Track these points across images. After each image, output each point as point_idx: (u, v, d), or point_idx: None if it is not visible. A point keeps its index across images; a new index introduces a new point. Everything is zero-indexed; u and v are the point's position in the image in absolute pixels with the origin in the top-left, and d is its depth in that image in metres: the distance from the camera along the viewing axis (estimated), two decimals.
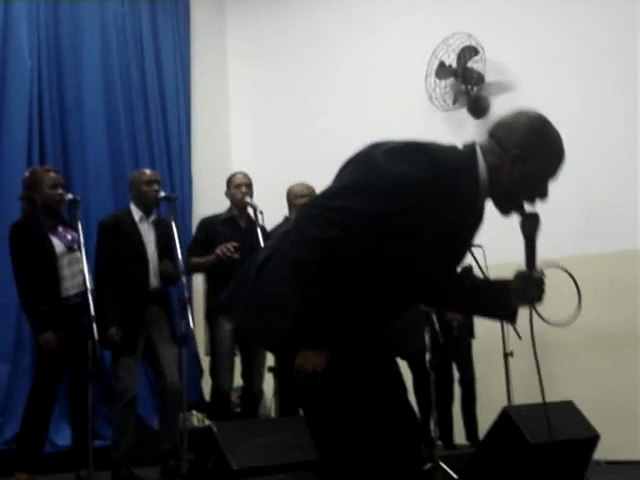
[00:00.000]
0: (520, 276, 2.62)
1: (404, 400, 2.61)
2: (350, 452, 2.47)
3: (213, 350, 6.09)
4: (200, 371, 7.67)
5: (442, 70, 7.88)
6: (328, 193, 2.45)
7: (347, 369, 2.43)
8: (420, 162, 2.39)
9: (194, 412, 7.34)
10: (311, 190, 6.24)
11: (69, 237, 5.47)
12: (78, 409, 5.44)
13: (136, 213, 5.84)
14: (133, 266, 5.71)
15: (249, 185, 6.19)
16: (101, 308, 5.48)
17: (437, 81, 7.93)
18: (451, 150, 2.54)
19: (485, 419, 6.25)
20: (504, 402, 6.26)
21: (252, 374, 6.13)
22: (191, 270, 6.26)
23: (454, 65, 7.82)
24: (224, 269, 5.86)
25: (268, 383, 5.91)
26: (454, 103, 7.88)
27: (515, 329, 6.36)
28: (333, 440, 2.50)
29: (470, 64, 7.77)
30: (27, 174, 5.70)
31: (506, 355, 6.39)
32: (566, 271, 2.75)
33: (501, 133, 2.53)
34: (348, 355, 2.42)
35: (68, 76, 7.52)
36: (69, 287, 5.39)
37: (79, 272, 5.40)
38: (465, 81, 7.79)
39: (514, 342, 6.40)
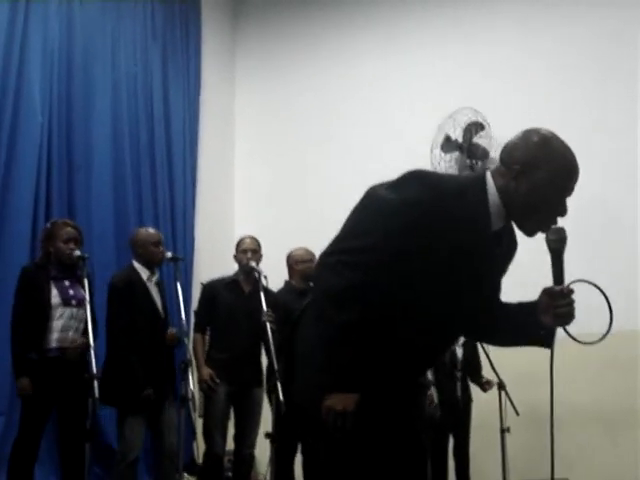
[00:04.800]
0: (547, 292, 2.54)
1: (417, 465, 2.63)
2: None
3: (207, 412, 6.07)
4: (193, 433, 7.61)
5: (448, 144, 7.97)
6: (340, 237, 2.50)
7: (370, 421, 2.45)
8: (417, 186, 2.44)
9: (185, 475, 7.26)
10: (312, 255, 6.32)
11: (71, 292, 5.49)
12: (70, 466, 5.39)
13: (143, 272, 5.84)
14: (149, 325, 5.72)
15: (255, 250, 6.24)
16: (129, 369, 5.52)
17: (442, 154, 8.01)
18: (456, 176, 2.62)
19: None
20: (499, 478, 6.23)
21: (245, 437, 6.11)
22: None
23: (460, 140, 7.91)
24: (226, 333, 6.03)
25: (265, 450, 5.86)
26: None
27: (513, 405, 6.36)
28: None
29: (476, 139, 7.86)
30: (47, 225, 5.80)
31: (503, 431, 6.36)
32: (597, 287, 2.61)
33: (504, 154, 2.56)
34: (374, 404, 2.43)
35: (78, 133, 7.57)
36: (55, 339, 5.38)
37: (70, 328, 5.43)
38: (470, 156, 7.88)
39: (511, 418, 6.39)
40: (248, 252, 6.19)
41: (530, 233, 2.55)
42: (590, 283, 2.59)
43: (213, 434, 5.99)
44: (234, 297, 6.18)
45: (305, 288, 6.31)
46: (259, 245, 6.29)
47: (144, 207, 8.03)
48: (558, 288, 2.51)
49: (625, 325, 6.86)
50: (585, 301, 2.70)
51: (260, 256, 6.23)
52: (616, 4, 7.73)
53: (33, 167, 7.05)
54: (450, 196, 2.43)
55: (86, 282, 5.29)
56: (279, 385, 5.42)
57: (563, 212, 2.51)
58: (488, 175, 2.54)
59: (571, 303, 2.51)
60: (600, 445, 7.00)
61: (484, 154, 7.84)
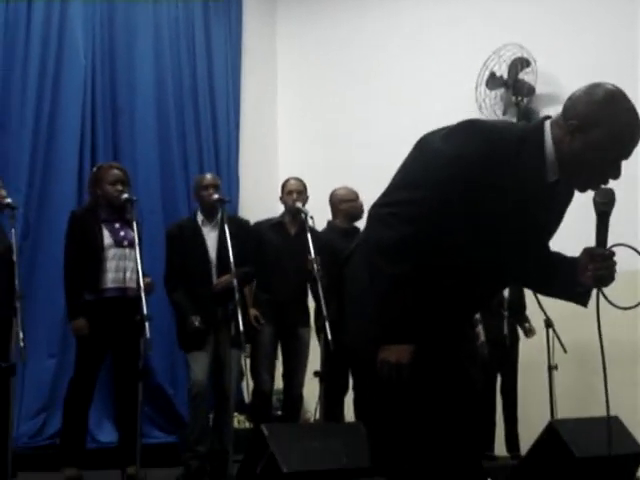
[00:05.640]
0: (589, 253, 2.48)
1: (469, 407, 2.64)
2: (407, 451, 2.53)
3: (254, 352, 6.14)
4: (241, 373, 7.69)
5: (493, 80, 7.87)
6: (392, 188, 2.48)
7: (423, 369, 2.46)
8: (472, 136, 2.39)
9: (235, 413, 7.36)
10: (355, 194, 6.34)
11: (122, 233, 5.54)
12: (124, 406, 5.47)
13: (199, 217, 5.96)
14: (198, 268, 5.82)
15: (301, 192, 6.22)
16: (176, 305, 5.83)
17: (487, 91, 7.92)
18: (512, 125, 2.56)
19: (527, 432, 6.23)
20: (547, 415, 6.24)
21: (293, 376, 6.19)
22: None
23: (505, 76, 7.81)
24: (272, 274, 6.09)
25: (314, 387, 5.93)
26: (504, 114, 7.86)
27: (561, 342, 6.35)
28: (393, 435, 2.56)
29: (521, 75, 7.75)
30: (94, 169, 5.88)
31: (550, 368, 6.36)
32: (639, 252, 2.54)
33: (567, 104, 2.42)
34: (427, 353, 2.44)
35: (121, 76, 7.60)
36: (109, 280, 5.46)
37: (124, 268, 5.49)
38: (515, 92, 7.78)
39: (559, 355, 6.38)
40: (294, 193, 6.19)
41: (580, 190, 2.49)
42: (633, 248, 2.55)
43: (260, 372, 6.07)
44: (280, 238, 6.19)
45: (348, 228, 6.31)
46: (305, 186, 6.26)
47: (188, 150, 8.07)
48: (600, 250, 2.46)
49: None
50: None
51: (306, 197, 6.22)
52: None
53: (78, 110, 7.11)
54: (504, 147, 2.38)
55: (135, 225, 5.32)
56: (327, 324, 5.46)
57: (616, 175, 2.41)
58: (547, 125, 2.44)
59: (612, 266, 2.46)
60: None
61: (530, 90, 7.73)
